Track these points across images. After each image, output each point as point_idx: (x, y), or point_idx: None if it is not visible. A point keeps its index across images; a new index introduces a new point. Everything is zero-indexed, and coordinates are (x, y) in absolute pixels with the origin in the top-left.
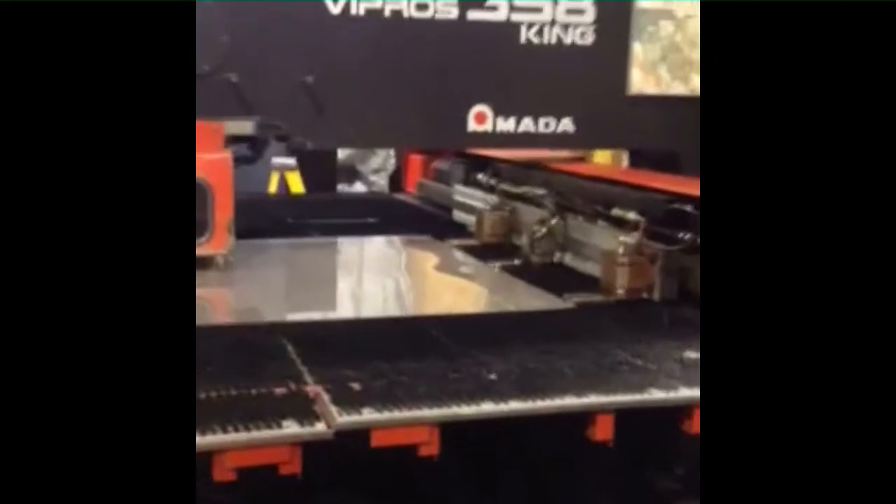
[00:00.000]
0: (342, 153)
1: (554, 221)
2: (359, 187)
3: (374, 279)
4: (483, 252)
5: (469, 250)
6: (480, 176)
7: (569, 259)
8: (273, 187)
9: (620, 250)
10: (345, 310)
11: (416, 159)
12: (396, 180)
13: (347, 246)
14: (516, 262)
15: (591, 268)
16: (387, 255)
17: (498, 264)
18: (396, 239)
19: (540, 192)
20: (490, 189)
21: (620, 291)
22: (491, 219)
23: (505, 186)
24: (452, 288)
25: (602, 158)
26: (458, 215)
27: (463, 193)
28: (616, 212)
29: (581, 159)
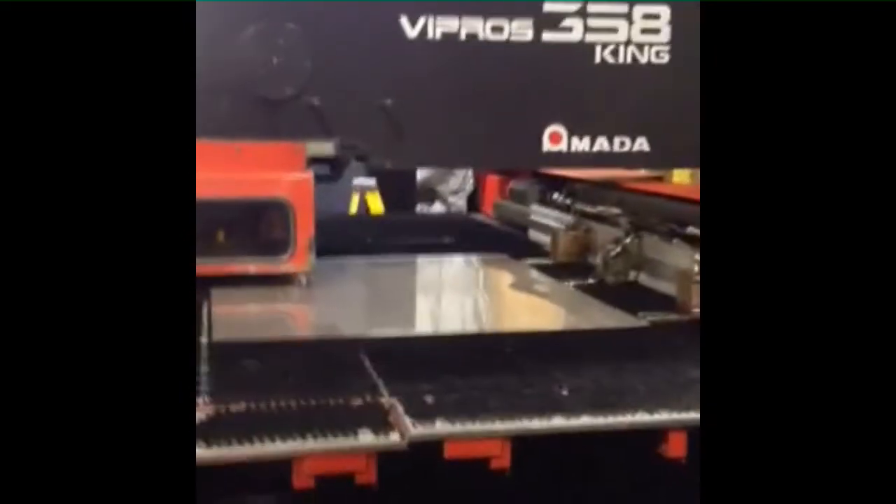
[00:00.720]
0: (421, 174)
1: (629, 240)
2: (437, 208)
3: (449, 297)
4: (558, 271)
5: (544, 269)
6: (556, 196)
7: (644, 278)
8: (354, 208)
9: (696, 269)
10: (420, 326)
11: (492, 180)
12: (474, 201)
13: (424, 264)
14: (591, 280)
15: (667, 287)
16: (463, 273)
17: (573, 283)
18: (473, 258)
19: (615, 211)
20: (565, 209)
21: (696, 310)
22: (566, 238)
23: (580, 206)
24: (527, 306)
25: (681, 178)
26: (534, 235)
27: (539, 213)
28: (691, 230)
29: (659, 178)
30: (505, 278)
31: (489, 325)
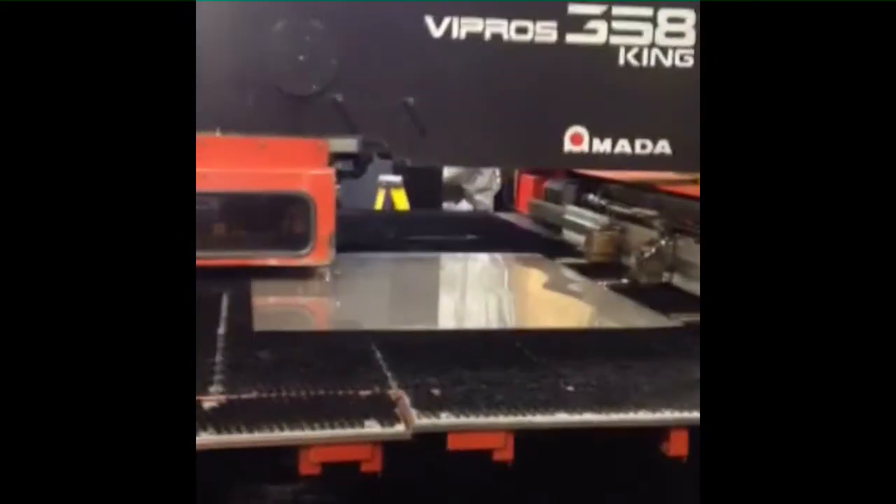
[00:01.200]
0: (448, 172)
1: (663, 242)
2: (464, 206)
3: (475, 294)
4: (591, 271)
5: (577, 269)
6: (591, 196)
7: (677, 280)
8: (379, 204)
9: None
10: (437, 322)
11: (528, 179)
12: (501, 199)
13: (451, 262)
14: (624, 281)
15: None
16: (495, 270)
17: (606, 283)
18: (509, 256)
19: (650, 212)
20: (601, 209)
21: None
22: (600, 238)
23: (615, 207)
24: (559, 305)
25: None
26: (569, 235)
27: (574, 213)
28: None
29: (696, 181)
30: (538, 276)
31: (516, 322)
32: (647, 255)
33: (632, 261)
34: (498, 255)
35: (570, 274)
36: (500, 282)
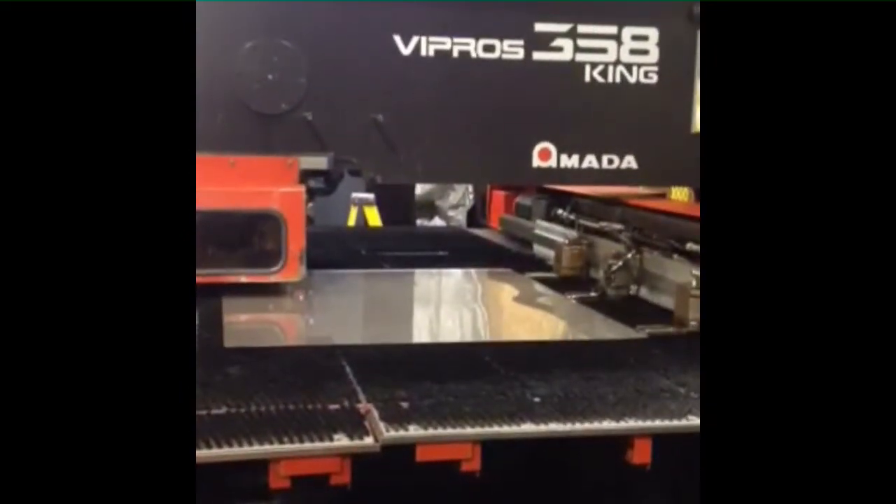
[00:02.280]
0: (420, 189)
1: (630, 255)
2: (437, 222)
3: (447, 309)
4: (561, 285)
5: (547, 283)
6: (561, 211)
7: (644, 292)
8: (352, 221)
9: (693, 283)
10: (408, 337)
11: (499, 195)
12: (474, 215)
13: (424, 277)
14: (592, 294)
15: (666, 301)
16: (467, 286)
17: (574, 296)
18: (481, 271)
19: (617, 226)
20: (570, 224)
21: (693, 324)
22: (569, 252)
23: (584, 221)
24: (528, 318)
25: (679, 195)
26: (539, 249)
27: (543, 228)
28: (691, 246)
29: (662, 195)
30: (509, 291)
31: (485, 336)
32: (614, 268)
33: (600, 274)
34: (470, 271)
35: (539, 288)
36: (471, 297)
